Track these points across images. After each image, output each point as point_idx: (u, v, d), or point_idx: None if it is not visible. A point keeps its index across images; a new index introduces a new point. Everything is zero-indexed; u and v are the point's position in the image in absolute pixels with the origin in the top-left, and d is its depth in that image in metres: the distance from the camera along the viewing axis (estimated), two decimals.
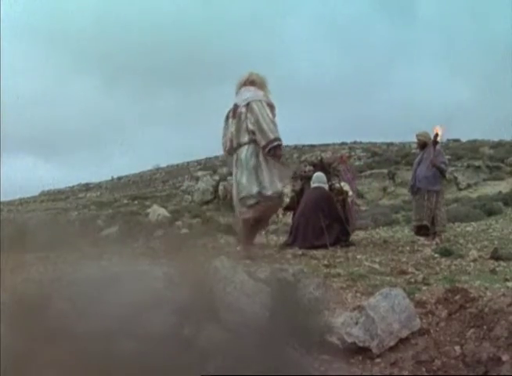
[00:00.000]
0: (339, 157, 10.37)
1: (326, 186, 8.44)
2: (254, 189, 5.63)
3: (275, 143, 5.57)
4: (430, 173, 7.90)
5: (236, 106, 5.70)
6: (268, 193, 5.66)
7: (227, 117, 5.86)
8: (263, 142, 5.56)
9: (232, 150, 5.78)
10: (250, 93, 5.71)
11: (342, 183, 8.62)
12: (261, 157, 5.63)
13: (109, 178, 45.69)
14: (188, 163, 44.84)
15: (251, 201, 5.67)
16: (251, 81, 5.85)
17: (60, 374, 2.74)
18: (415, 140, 9.17)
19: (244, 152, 5.61)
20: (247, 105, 5.58)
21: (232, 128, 5.66)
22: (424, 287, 4.72)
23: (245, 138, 5.60)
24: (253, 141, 5.61)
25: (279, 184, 5.78)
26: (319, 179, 8.39)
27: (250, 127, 5.55)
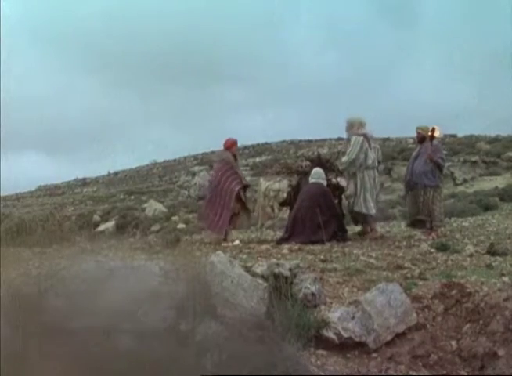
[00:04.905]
0: None
1: (325, 182, 8.42)
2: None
3: None
4: (427, 168, 7.87)
5: (368, 139, 8.22)
6: None
7: (363, 141, 8.15)
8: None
9: (368, 165, 8.15)
10: (371, 135, 8.44)
11: (338, 178, 8.60)
12: None
13: (106, 173, 45.54)
14: (185, 158, 44.74)
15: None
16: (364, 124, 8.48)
17: (57, 369, 2.74)
18: (412, 135, 9.17)
19: (375, 172, 8.31)
20: (378, 147, 8.60)
21: (374, 154, 8.25)
22: (421, 282, 4.72)
23: (375, 163, 8.27)
24: (376, 167, 8.42)
25: None
26: (318, 175, 8.35)
27: (380, 159, 8.52)
